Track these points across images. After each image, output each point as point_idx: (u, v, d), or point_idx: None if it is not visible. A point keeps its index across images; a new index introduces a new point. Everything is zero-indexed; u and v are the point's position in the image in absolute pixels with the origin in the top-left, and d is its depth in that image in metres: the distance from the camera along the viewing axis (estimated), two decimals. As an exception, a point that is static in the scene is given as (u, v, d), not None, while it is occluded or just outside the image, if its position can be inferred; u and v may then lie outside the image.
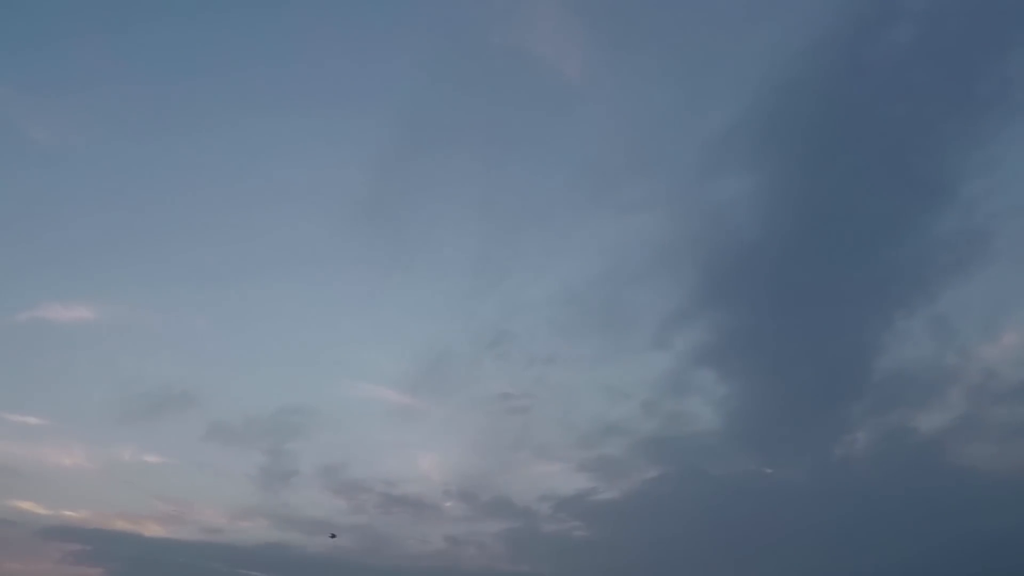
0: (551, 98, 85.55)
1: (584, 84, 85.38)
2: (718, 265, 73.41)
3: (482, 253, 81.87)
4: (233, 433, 71.33)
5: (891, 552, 58.78)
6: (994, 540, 55.47)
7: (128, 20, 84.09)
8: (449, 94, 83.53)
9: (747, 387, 70.03)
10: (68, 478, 69.67)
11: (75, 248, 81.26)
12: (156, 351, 78.23)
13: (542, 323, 76.44)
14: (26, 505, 66.15)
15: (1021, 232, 68.81)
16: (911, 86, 73.27)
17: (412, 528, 68.74)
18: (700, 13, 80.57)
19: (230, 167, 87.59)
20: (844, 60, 73.32)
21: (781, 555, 60.73)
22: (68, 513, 67.09)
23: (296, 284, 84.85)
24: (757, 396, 69.38)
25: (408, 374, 76.21)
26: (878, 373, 67.93)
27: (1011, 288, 67.53)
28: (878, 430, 66.55)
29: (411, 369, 76.21)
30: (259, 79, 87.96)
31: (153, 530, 67.83)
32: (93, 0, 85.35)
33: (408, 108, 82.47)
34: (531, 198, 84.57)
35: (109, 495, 70.57)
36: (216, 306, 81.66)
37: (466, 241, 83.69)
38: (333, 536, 62.15)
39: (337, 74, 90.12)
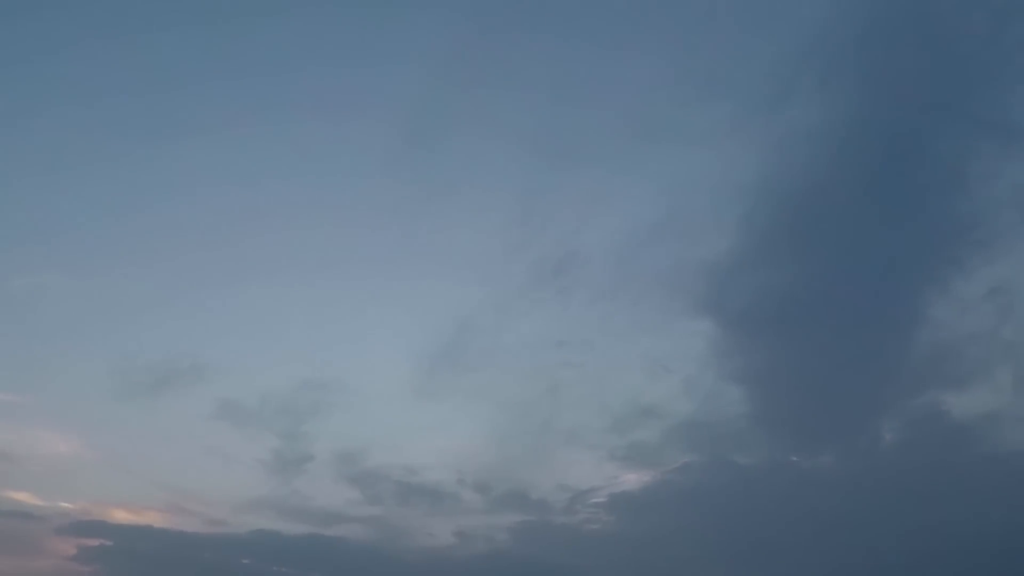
0: (606, 17, 74.54)
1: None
2: (774, 214, 64.35)
3: (522, 202, 74.04)
4: (245, 412, 66.32)
5: (928, 542, 54.34)
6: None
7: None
8: (490, 20, 73.38)
9: (784, 363, 63.82)
10: (63, 464, 65.34)
11: (74, 213, 74.48)
12: (161, 318, 72.14)
13: (584, 283, 69.63)
14: (19, 495, 62.56)
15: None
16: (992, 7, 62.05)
17: (429, 521, 65.17)
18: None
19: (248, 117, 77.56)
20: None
21: (804, 549, 56.90)
22: (64, 504, 63.46)
23: (318, 243, 76.80)
24: (794, 373, 63.20)
25: (435, 344, 69.78)
26: (922, 348, 60.98)
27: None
28: (917, 412, 59.91)
29: (438, 338, 70.33)
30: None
31: (155, 521, 64.56)
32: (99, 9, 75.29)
33: (446, 35, 74.23)
34: (581, 133, 74.53)
35: (108, 483, 66.83)
36: (228, 268, 75.28)
37: (505, 188, 75.68)
38: None
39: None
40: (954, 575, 52.57)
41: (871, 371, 61.75)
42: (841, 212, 65.16)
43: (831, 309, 64.23)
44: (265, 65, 77.74)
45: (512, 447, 65.82)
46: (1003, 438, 56.39)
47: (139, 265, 73.26)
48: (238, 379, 67.85)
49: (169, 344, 69.24)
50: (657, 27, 73.79)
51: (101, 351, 70.33)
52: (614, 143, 74.13)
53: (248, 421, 66.31)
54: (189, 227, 75.84)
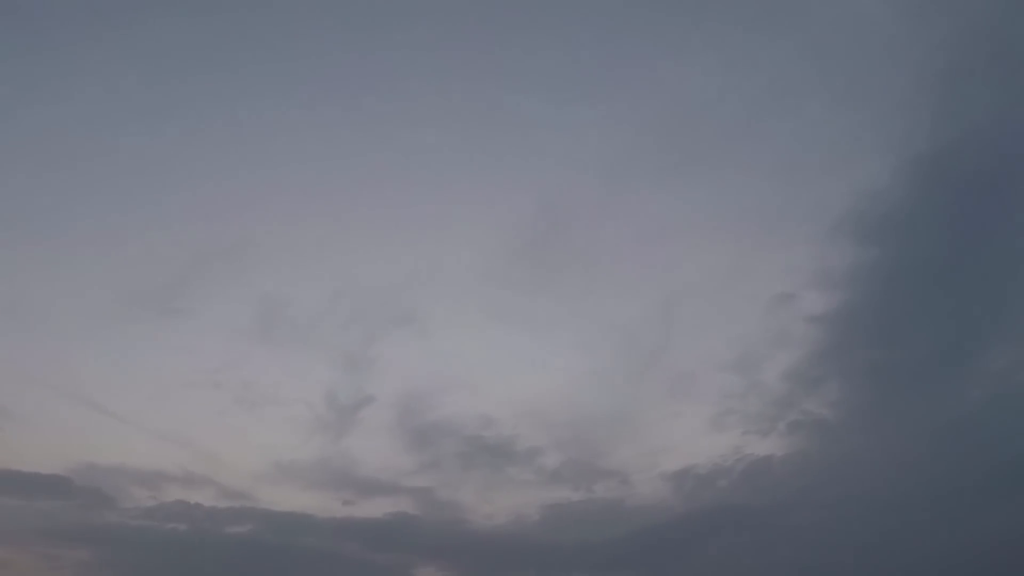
0: None
1: None
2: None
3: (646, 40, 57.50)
4: (297, 320, 53.39)
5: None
6: None
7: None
8: None
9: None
10: (44, 410, 49.97)
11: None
12: (194, 186, 57.39)
13: (718, 148, 55.28)
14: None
15: None
16: None
17: (489, 493, 53.14)
18: None
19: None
20: None
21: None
22: (46, 470, 48.72)
23: (393, 95, 60.42)
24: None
25: (520, 233, 55.69)
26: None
27: None
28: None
29: (523, 225, 55.44)
30: None
31: (171, 494, 50.79)
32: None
33: None
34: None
35: (106, 436, 51.33)
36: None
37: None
38: None
39: None
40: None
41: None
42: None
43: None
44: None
45: (602, 397, 53.26)
46: None
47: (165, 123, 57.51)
48: (288, 272, 54.06)
49: (204, 218, 55.28)
50: None
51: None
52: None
53: (300, 334, 52.51)
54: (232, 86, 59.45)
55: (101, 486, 48.40)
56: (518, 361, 55.26)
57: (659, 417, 52.80)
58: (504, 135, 57.82)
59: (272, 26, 58.17)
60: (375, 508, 51.51)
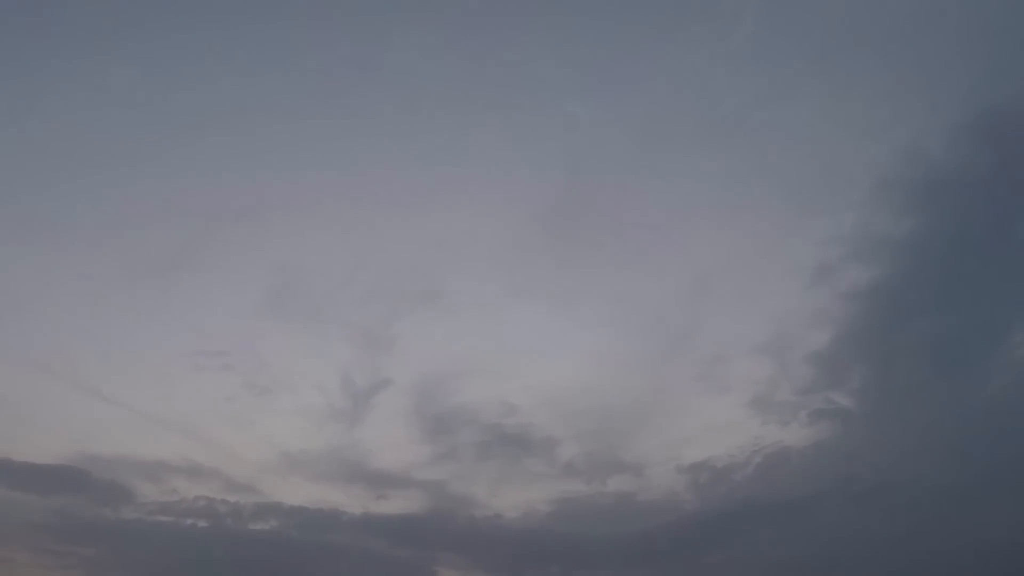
0: None
1: None
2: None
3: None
4: (308, 303, 51.02)
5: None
6: None
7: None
8: None
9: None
10: (43, 398, 47.25)
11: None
12: (194, 161, 53.31)
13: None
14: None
15: None
16: None
17: (504, 487, 51.48)
18: None
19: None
20: None
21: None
22: (45, 461, 46.08)
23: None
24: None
25: (550, 216, 53.24)
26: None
27: None
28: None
29: (555, 207, 52.99)
30: None
31: (176, 486, 48.70)
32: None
33: None
34: None
35: (107, 425, 48.64)
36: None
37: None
38: None
39: None
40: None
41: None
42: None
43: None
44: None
45: (626, 383, 51.15)
46: None
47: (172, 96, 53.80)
48: (304, 242, 51.49)
49: (213, 183, 51.70)
50: None
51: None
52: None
53: (315, 311, 50.10)
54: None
55: (114, 479, 46.26)
56: (541, 342, 53.60)
57: (683, 405, 51.43)
58: (531, 105, 54.62)
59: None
60: (389, 502, 50.49)
